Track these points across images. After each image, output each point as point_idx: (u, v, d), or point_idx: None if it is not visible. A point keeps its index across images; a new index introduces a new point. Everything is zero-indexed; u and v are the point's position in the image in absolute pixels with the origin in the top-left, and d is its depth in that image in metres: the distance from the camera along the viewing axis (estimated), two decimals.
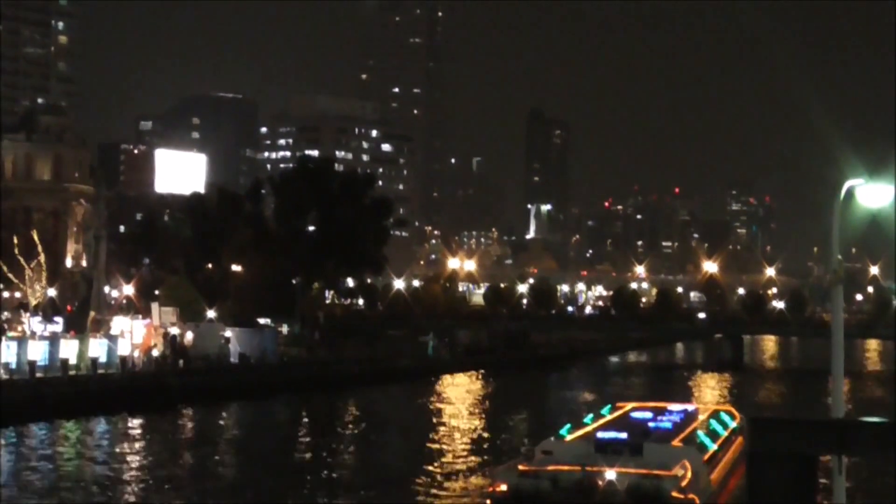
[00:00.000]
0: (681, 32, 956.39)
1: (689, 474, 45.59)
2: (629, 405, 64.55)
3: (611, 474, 43.87)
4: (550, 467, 45.43)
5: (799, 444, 12.90)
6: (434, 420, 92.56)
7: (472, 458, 70.88)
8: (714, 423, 60.26)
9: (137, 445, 75.40)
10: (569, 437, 51.83)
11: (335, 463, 69.88)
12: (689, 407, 67.14)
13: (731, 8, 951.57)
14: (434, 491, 59.47)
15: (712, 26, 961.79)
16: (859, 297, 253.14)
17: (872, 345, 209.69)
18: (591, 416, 60.09)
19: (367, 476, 64.97)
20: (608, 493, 43.48)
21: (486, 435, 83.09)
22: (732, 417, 63.95)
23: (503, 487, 44.88)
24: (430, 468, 66.41)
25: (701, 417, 61.69)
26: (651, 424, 56.18)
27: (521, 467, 46.23)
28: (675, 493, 43.81)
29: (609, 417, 59.14)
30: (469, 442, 79.24)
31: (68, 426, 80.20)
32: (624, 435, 50.12)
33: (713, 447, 53.57)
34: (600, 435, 50.47)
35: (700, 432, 55.85)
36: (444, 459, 70.12)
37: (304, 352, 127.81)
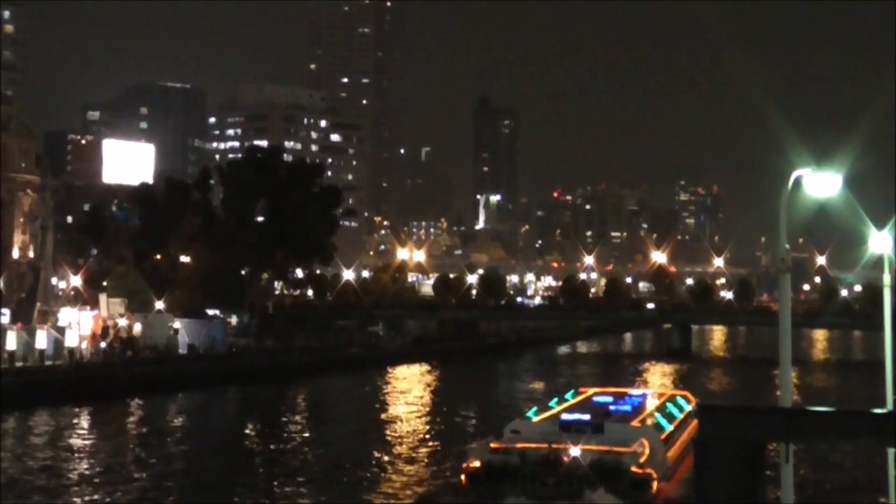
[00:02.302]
0: (629, 23, 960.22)
1: (647, 451, 49.16)
2: (591, 390, 68.48)
3: (575, 451, 47.34)
4: (519, 445, 49.18)
5: (747, 431, 12.96)
6: (385, 409, 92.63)
7: (426, 446, 71.47)
8: (671, 407, 63.34)
9: (83, 436, 74.96)
10: (535, 419, 55.31)
11: (288, 451, 69.72)
12: (648, 391, 71.65)
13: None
14: (393, 476, 60.50)
15: (661, 18, 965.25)
16: (806, 286, 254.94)
17: (820, 334, 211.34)
18: (555, 399, 63.68)
19: (323, 464, 64.96)
20: (572, 467, 47.09)
21: (438, 423, 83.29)
22: (688, 401, 67.46)
23: (476, 463, 48.74)
24: (385, 455, 66.83)
25: (659, 401, 64.94)
26: (612, 407, 59.37)
27: (492, 445, 50.06)
28: (634, 468, 47.39)
29: (573, 401, 62.68)
30: (421, 430, 79.39)
31: (13, 418, 79.64)
32: (587, 416, 53.14)
33: (669, 428, 56.86)
34: (565, 416, 53.52)
35: (658, 414, 59.22)
36: (400, 447, 70.47)
37: (252, 342, 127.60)
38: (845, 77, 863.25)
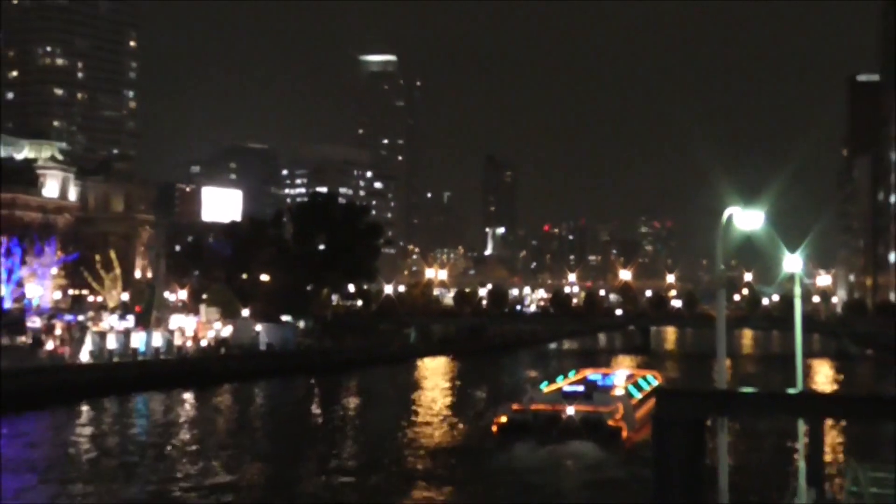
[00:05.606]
0: (603, 93, 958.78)
1: (621, 411, 54.93)
2: (588, 370, 73.94)
3: (570, 410, 53.86)
4: (533, 407, 55.49)
5: (693, 409, 13.02)
6: (422, 390, 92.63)
7: (458, 412, 73.31)
8: (642, 382, 68.41)
9: (187, 412, 75.20)
10: (546, 390, 59.84)
11: (347, 419, 69.80)
12: (628, 371, 78.36)
13: (639, 60, 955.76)
14: (436, 432, 63.15)
15: (627, 90, 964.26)
16: (737, 297, 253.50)
17: (748, 334, 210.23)
18: (561, 376, 68.65)
19: (377, 427, 65.59)
20: (568, 422, 53.28)
21: (464, 398, 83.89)
22: (655, 378, 72.85)
23: (503, 419, 55.20)
24: (428, 418, 68.06)
25: (633, 378, 69.93)
26: (599, 382, 64.50)
27: (514, 407, 56.32)
28: (610, 422, 53.45)
29: (573, 378, 67.75)
30: (452, 403, 79.91)
31: (137, 399, 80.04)
32: (581, 388, 59.48)
33: (639, 396, 61.94)
34: (566, 388, 59.66)
35: (631, 386, 63.99)
36: (438, 414, 71.08)
37: (315, 342, 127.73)
38: (775, 132, 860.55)
